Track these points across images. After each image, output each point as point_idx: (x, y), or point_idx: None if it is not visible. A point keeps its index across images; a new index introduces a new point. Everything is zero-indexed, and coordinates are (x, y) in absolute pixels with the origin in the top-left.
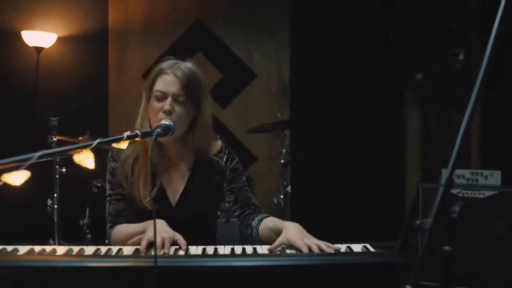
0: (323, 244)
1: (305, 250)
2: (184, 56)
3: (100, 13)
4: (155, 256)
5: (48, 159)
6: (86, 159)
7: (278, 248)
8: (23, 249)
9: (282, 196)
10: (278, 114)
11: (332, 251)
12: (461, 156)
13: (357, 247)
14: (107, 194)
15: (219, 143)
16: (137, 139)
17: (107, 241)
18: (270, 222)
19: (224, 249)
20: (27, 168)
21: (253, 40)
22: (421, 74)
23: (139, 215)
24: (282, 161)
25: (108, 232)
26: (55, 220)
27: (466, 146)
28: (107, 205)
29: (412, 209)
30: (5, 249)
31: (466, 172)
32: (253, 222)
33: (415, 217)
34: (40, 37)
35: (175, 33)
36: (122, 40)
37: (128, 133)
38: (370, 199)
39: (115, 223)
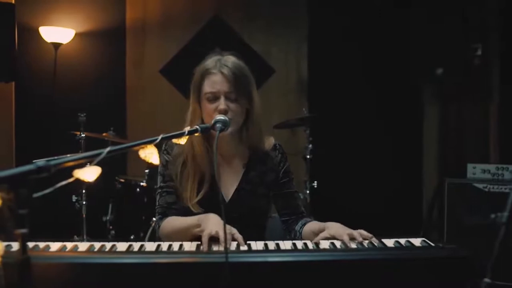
0: (365, 233)
1: (346, 238)
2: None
3: (118, 9)
4: (226, 252)
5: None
6: (151, 154)
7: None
8: (82, 246)
9: (308, 192)
10: (303, 109)
11: (370, 240)
12: None
13: (416, 241)
14: (158, 186)
15: (272, 140)
16: (196, 134)
17: (152, 233)
18: (313, 226)
19: (284, 244)
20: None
21: (271, 35)
22: (441, 69)
23: (188, 210)
24: (308, 156)
25: (157, 223)
26: (84, 216)
27: None
28: (158, 197)
29: (432, 203)
30: (65, 246)
31: (492, 167)
32: (296, 226)
33: (438, 212)
34: (58, 33)
35: (193, 29)
36: (139, 35)
37: (188, 128)
38: (388, 194)
39: (165, 215)
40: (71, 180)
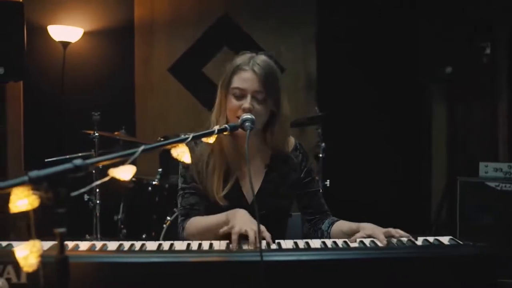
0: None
1: (382, 237)
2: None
3: (126, 7)
4: (261, 250)
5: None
6: (183, 153)
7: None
8: (111, 246)
9: (321, 191)
10: (316, 108)
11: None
12: None
13: (444, 240)
14: (180, 187)
15: (292, 140)
16: (225, 133)
17: (179, 235)
18: (342, 225)
19: (313, 243)
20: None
21: (279, 34)
22: (450, 67)
23: (212, 210)
24: (320, 155)
25: (181, 225)
26: (97, 215)
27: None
28: (180, 199)
29: (441, 202)
30: (94, 245)
31: (504, 166)
32: (323, 226)
33: (448, 211)
34: (66, 31)
35: (202, 27)
36: (148, 34)
37: (217, 127)
38: (395, 192)
39: (188, 216)
40: (106, 179)
